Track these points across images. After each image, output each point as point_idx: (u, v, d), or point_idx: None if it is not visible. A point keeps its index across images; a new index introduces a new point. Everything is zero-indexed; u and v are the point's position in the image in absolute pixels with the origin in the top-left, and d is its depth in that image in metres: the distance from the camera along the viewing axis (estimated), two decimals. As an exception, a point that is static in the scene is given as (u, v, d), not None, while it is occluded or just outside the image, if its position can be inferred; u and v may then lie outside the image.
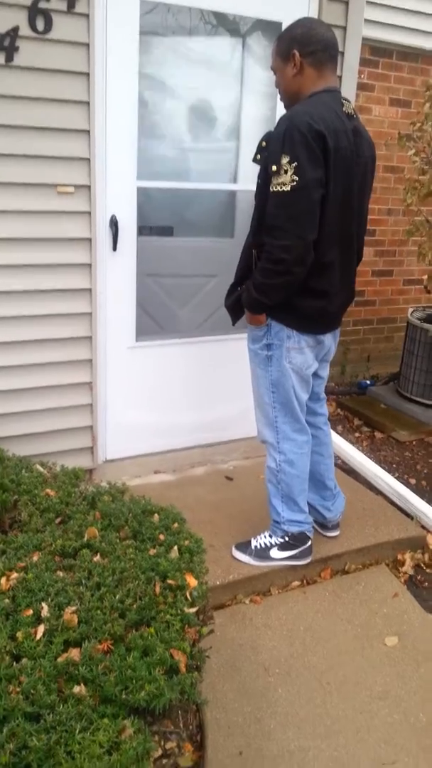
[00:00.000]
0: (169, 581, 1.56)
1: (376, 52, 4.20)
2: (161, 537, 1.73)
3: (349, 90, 3.09)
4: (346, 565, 2.67)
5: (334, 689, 2.07)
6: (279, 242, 1.98)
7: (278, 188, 1.95)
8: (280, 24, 2.87)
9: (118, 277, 2.86)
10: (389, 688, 2.09)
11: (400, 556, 2.76)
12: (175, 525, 1.81)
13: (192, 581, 1.60)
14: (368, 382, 4.68)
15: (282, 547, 2.49)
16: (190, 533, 1.78)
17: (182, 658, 1.39)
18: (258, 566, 2.47)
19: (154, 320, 3.32)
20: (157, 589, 1.52)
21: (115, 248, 2.80)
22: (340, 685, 2.09)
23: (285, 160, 1.92)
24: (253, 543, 2.52)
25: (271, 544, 2.51)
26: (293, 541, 2.49)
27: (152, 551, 1.66)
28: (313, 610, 2.43)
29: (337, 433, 3.85)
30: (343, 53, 3.04)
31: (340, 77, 3.04)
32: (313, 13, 2.92)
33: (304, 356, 2.24)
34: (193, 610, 1.52)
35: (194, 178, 3.30)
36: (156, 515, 1.83)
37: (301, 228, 1.96)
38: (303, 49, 2.04)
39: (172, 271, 3.25)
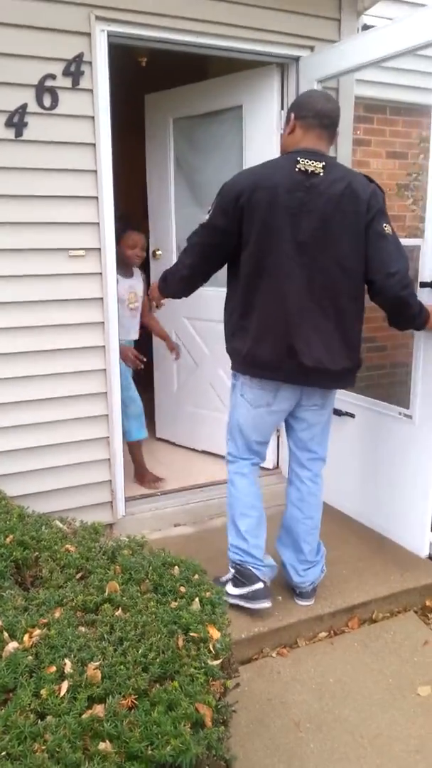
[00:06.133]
0: (192, 634, 1.54)
1: (370, 109, 4.37)
2: (182, 589, 1.72)
3: (344, 147, 3.24)
4: (374, 614, 2.62)
5: (368, 743, 2.00)
6: (182, 253, 2.43)
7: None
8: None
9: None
10: (425, 741, 2.01)
11: (428, 602, 2.70)
12: (196, 576, 1.80)
13: (215, 633, 1.58)
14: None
15: (235, 583, 2.44)
16: (211, 584, 1.77)
17: (207, 712, 1.36)
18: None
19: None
20: (180, 642, 1.50)
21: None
22: (374, 739, 2.02)
23: (213, 204, 2.31)
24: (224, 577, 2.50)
25: (228, 578, 2.48)
26: (240, 576, 2.42)
27: (174, 604, 1.64)
28: (342, 661, 2.37)
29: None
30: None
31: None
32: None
33: (254, 394, 2.37)
34: (216, 662, 1.50)
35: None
36: (176, 567, 1.82)
37: (186, 252, 2.38)
38: (298, 113, 2.27)
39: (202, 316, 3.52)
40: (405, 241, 3.08)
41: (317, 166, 2.19)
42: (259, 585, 2.40)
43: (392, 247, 2.23)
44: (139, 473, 3.45)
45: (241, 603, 2.41)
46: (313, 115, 2.24)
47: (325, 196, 2.19)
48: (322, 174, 2.20)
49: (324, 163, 2.21)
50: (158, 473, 3.52)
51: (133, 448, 3.45)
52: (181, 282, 2.43)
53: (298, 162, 2.19)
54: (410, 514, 2.73)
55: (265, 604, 2.41)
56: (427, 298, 2.55)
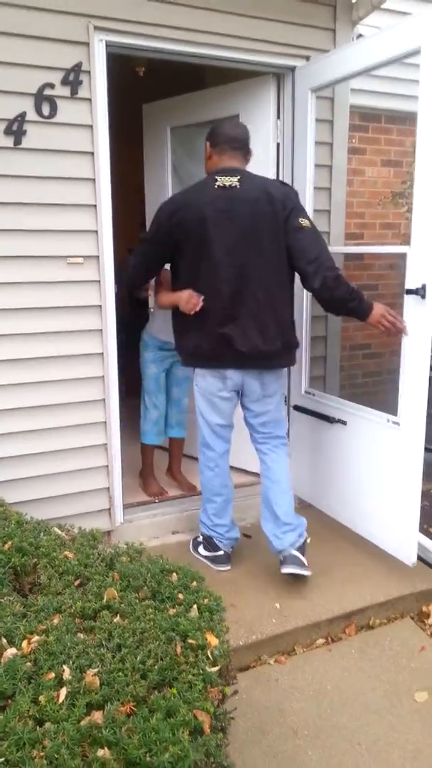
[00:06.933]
0: (190, 641, 1.54)
1: (365, 117, 4.40)
2: (180, 596, 1.72)
3: (340, 156, 3.27)
4: (371, 620, 2.62)
5: (365, 750, 2.00)
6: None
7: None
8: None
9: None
10: (421, 747, 2.02)
11: (424, 608, 2.71)
12: (194, 583, 1.80)
13: (213, 640, 1.58)
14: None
15: (204, 546, 2.90)
16: (209, 591, 1.77)
17: (206, 718, 1.37)
18: (209, 566, 2.84)
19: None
20: (178, 649, 1.51)
21: (124, 314, 2.90)
22: (371, 745, 2.02)
23: (151, 221, 2.72)
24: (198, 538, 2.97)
25: (200, 541, 2.93)
26: (207, 543, 2.88)
27: (172, 611, 1.65)
28: (340, 668, 2.37)
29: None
30: (332, 122, 3.23)
31: (330, 144, 3.23)
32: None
33: (206, 382, 2.70)
34: (215, 669, 1.50)
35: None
36: (174, 574, 1.82)
37: (132, 259, 2.85)
38: (212, 141, 2.66)
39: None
40: (399, 249, 3.10)
41: (233, 181, 2.56)
42: (221, 552, 2.85)
43: (309, 238, 2.56)
44: (145, 477, 3.46)
45: (208, 563, 2.86)
46: (224, 141, 2.63)
47: (243, 203, 2.54)
48: (238, 186, 2.56)
49: (239, 177, 2.57)
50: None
51: (144, 450, 3.50)
52: (127, 280, 3.00)
53: (216, 180, 2.57)
54: (398, 521, 2.74)
55: (226, 567, 2.85)
56: (413, 305, 2.57)
